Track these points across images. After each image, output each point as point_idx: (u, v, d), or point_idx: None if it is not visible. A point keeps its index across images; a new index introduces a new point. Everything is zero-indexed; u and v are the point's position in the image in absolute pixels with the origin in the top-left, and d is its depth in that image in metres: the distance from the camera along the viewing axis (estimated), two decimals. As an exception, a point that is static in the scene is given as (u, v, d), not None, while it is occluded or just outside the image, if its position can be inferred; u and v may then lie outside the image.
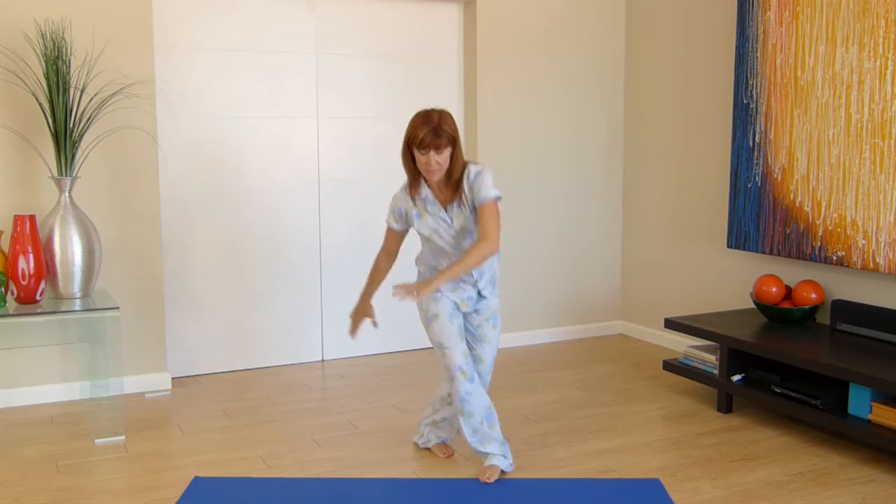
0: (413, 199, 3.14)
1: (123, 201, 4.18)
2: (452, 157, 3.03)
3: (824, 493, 3.05)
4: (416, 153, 2.99)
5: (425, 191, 3.11)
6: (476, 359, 3.27)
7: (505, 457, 3.18)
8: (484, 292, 3.21)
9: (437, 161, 2.97)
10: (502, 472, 3.18)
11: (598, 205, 5.41)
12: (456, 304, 3.18)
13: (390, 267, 3.33)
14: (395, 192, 3.27)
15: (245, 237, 4.63)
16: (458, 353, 3.12)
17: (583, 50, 5.25)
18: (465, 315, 3.26)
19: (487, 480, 3.11)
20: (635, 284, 5.42)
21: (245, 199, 4.61)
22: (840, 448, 3.49)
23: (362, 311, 3.32)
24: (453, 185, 3.08)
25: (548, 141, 5.21)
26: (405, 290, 2.95)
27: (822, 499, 3.01)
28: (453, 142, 3.00)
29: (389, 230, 3.26)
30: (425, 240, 3.21)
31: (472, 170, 3.07)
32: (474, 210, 3.09)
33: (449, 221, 3.11)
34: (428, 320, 3.17)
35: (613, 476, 3.20)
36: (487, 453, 3.16)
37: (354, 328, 3.32)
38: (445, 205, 3.11)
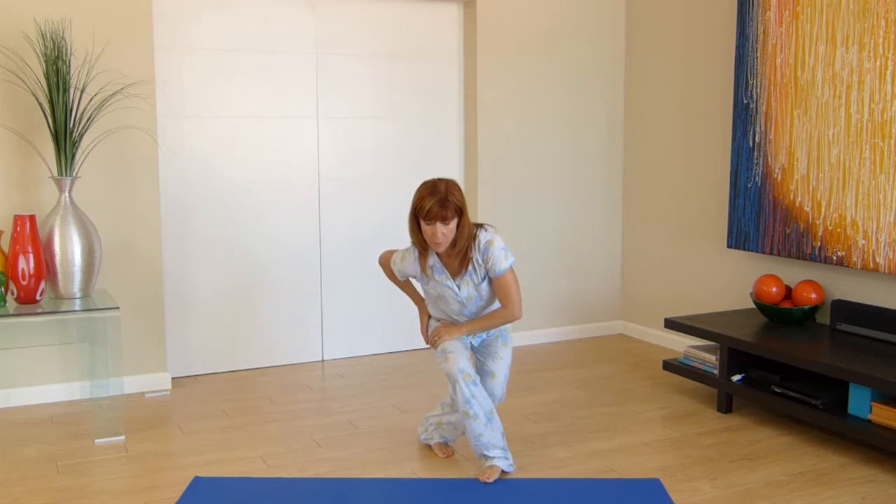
0: (422, 268, 3.15)
1: (123, 201, 4.18)
2: (459, 227, 3.00)
3: (824, 493, 3.05)
4: (423, 224, 2.97)
5: (433, 259, 3.12)
6: (488, 374, 3.27)
7: (506, 458, 3.18)
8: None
9: (442, 233, 2.95)
10: (503, 472, 3.19)
11: (599, 205, 5.41)
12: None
13: (409, 283, 3.41)
14: (400, 252, 3.21)
15: (245, 237, 4.63)
16: (461, 358, 3.09)
17: (583, 50, 5.25)
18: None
19: (487, 480, 3.11)
20: (635, 284, 5.42)
21: (245, 199, 4.61)
22: (840, 448, 3.49)
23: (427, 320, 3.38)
24: (460, 253, 3.06)
25: (548, 141, 5.21)
26: (435, 338, 3.15)
27: (822, 499, 3.01)
28: (460, 213, 2.97)
29: (392, 270, 3.30)
30: (430, 301, 3.28)
31: (481, 240, 3.05)
32: (485, 279, 3.11)
33: (456, 290, 3.13)
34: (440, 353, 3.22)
35: (613, 476, 3.20)
36: (489, 456, 3.16)
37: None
38: (454, 275, 3.12)
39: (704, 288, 4.87)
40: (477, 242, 3.06)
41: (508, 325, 3.30)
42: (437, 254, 3.11)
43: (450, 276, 3.11)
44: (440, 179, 2.99)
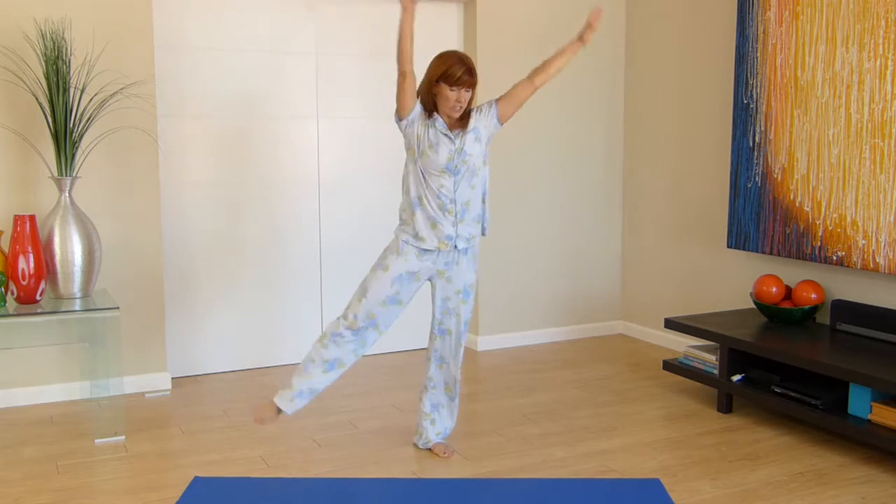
0: (427, 121, 3.21)
1: (123, 201, 4.18)
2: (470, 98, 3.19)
3: (824, 493, 3.05)
4: (446, 89, 3.13)
5: (438, 121, 3.21)
6: (444, 331, 3.35)
7: (291, 400, 3.29)
8: (462, 235, 3.24)
9: (465, 98, 3.15)
10: (278, 409, 3.31)
11: (599, 204, 5.42)
12: (414, 273, 3.23)
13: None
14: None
15: (245, 237, 4.63)
16: (370, 307, 3.21)
17: (583, 49, 5.24)
18: (435, 281, 3.30)
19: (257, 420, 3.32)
20: (635, 284, 5.42)
21: (245, 198, 4.61)
22: (840, 448, 3.49)
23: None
24: (463, 118, 3.23)
25: (548, 140, 5.21)
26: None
27: (822, 499, 3.01)
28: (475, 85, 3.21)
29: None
30: (419, 181, 3.20)
31: (483, 104, 3.32)
32: (479, 141, 3.24)
33: (455, 144, 3.20)
34: (377, 265, 3.26)
35: (613, 476, 3.20)
36: (286, 386, 3.32)
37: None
38: (453, 130, 3.23)
39: (704, 288, 4.87)
40: (475, 108, 3.30)
41: (473, 281, 3.35)
42: (441, 118, 3.21)
43: (450, 131, 3.21)
44: (458, 51, 3.19)
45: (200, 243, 4.53)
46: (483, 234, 3.36)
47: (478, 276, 3.51)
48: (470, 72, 3.14)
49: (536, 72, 3.32)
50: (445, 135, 3.18)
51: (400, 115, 3.20)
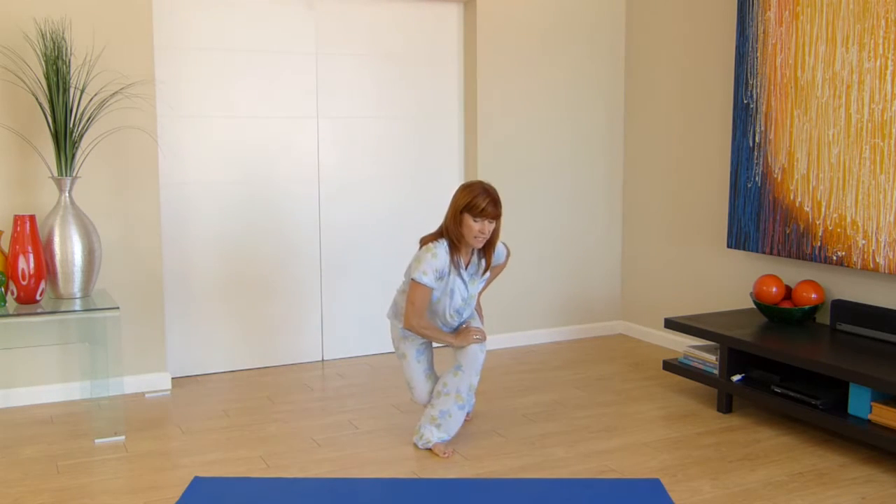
0: (452, 259, 3.35)
1: (123, 201, 4.18)
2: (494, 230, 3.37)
3: (824, 493, 3.05)
4: (470, 220, 3.27)
5: (461, 265, 3.39)
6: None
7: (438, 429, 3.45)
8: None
9: (489, 230, 3.29)
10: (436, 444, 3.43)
11: (599, 204, 5.42)
12: (424, 343, 3.51)
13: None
14: (434, 251, 3.32)
15: (245, 237, 4.63)
16: (423, 393, 3.52)
17: (583, 49, 5.25)
18: None
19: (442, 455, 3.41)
20: (635, 284, 5.42)
21: (245, 199, 4.61)
22: (840, 448, 3.49)
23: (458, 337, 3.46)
24: (478, 252, 3.43)
25: (548, 141, 5.21)
26: (477, 336, 3.39)
27: (822, 499, 3.01)
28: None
29: (424, 289, 3.30)
30: (434, 300, 3.41)
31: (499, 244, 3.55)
32: (482, 278, 3.46)
33: (467, 281, 3.40)
34: (399, 356, 3.54)
35: (613, 476, 3.20)
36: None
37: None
38: (468, 266, 3.42)
39: (704, 288, 4.87)
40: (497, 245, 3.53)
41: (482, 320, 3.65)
42: (459, 251, 3.36)
43: (465, 268, 3.39)
44: (483, 181, 3.33)
45: (200, 243, 4.53)
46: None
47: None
48: (495, 203, 3.27)
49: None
50: (461, 279, 3.36)
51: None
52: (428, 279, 3.28)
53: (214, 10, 4.45)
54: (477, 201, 3.25)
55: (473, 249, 3.41)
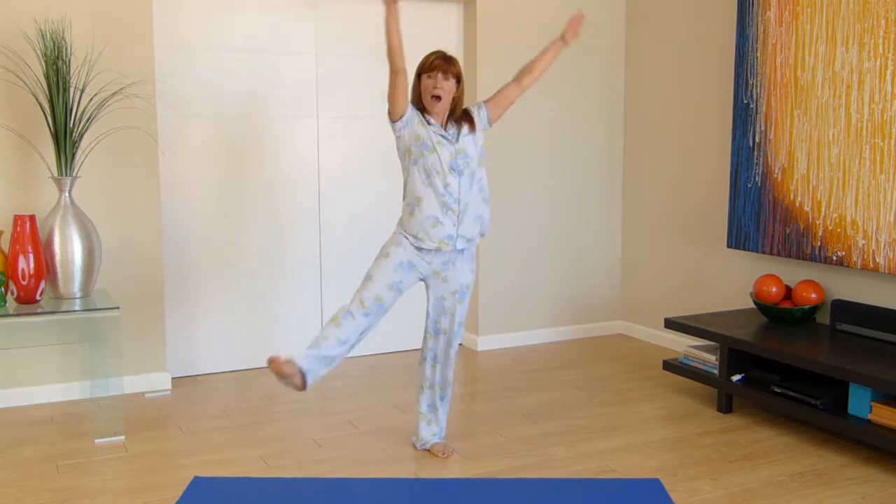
0: (420, 120, 3.20)
1: (123, 201, 4.18)
2: (457, 92, 3.19)
3: (824, 493, 3.05)
4: (424, 79, 3.16)
5: (434, 124, 3.22)
6: (439, 330, 3.35)
7: (307, 359, 3.15)
8: (463, 235, 3.22)
9: (443, 86, 3.13)
10: (301, 371, 3.13)
11: (598, 204, 5.42)
12: (414, 265, 3.22)
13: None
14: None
15: (245, 236, 4.63)
16: (376, 289, 3.18)
17: (582, 50, 5.25)
18: (430, 280, 3.29)
19: (275, 364, 3.10)
20: (635, 284, 5.42)
21: (245, 198, 4.61)
22: (840, 448, 3.49)
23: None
24: (457, 120, 3.24)
25: (547, 140, 5.21)
26: None
27: (822, 499, 3.01)
28: (458, 78, 3.19)
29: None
30: (417, 182, 3.19)
31: (472, 106, 3.32)
32: (475, 143, 3.24)
33: (455, 145, 3.20)
34: (379, 255, 3.26)
35: (613, 476, 3.20)
36: (297, 355, 3.16)
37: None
38: (448, 131, 3.24)
39: (704, 288, 4.87)
40: (469, 108, 3.30)
41: (470, 282, 3.34)
42: (431, 120, 3.20)
43: (442, 129, 3.21)
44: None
45: (200, 243, 4.53)
46: (482, 235, 3.35)
47: (474, 276, 3.50)
48: (445, 58, 3.16)
49: (522, 73, 3.37)
50: (443, 136, 3.19)
51: (393, 117, 3.18)
52: (390, 113, 3.19)
53: (214, 9, 4.45)
54: (427, 58, 3.18)
55: (448, 117, 3.22)
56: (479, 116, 3.31)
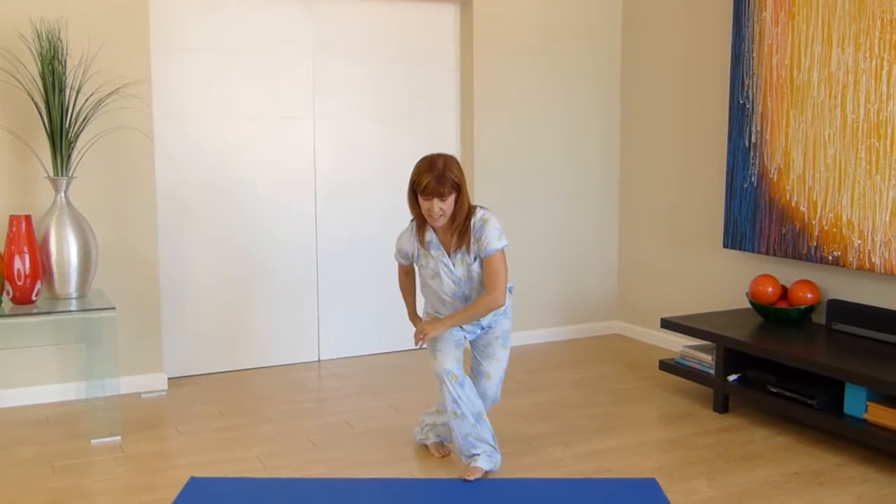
0: (420, 241, 3.15)
1: (120, 201, 4.17)
2: (457, 203, 3.01)
3: (820, 493, 3.06)
4: (420, 199, 2.99)
5: (430, 234, 3.13)
6: (483, 374, 3.27)
7: (490, 457, 3.17)
8: (485, 323, 3.28)
9: (440, 208, 2.96)
10: (486, 471, 3.17)
11: (595, 205, 5.42)
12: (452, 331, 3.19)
13: (414, 280, 3.39)
14: (401, 232, 3.22)
15: (241, 237, 4.62)
16: (449, 358, 3.10)
17: (579, 51, 5.25)
18: (470, 328, 3.28)
19: (468, 478, 3.11)
20: (631, 284, 5.43)
21: (241, 199, 4.60)
22: (836, 448, 3.50)
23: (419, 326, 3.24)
24: (458, 230, 3.07)
25: (544, 142, 5.21)
26: (419, 335, 3.05)
27: (818, 498, 3.01)
28: (458, 188, 2.99)
29: (399, 264, 3.33)
30: (424, 285, 3.24)
31: (478, 216, 3.07)
32: (477, 259, 3.10)
33: (451, 267, 3.12)
34: (429, 347, 3.20)
35: (610, 476, 3.20)
36: (475, 454, 3.16)
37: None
38: (449, 250, 3.12)
39: (700, 288, 4.88)
40: (473, 219, 3.07)
41: (509, 328, 3.32)
42: (434, 230, 3.12)
43: (445, 253, 3.12)
44: (438, 155, 3.00)
45: (197, 243, 4.52)
46: (501, 313, 3.29)
47: (512, 323, 3.53)
48: (439, 179, 2.91)
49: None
50: (444, 263, 3.12)
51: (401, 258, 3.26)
52: (396, 255, 3.27)
53: (211, 10, 4.44)
54: (420, 179, 2.94)
55: (453, 230, 3.07)
56: (477, 247, 3.08)
